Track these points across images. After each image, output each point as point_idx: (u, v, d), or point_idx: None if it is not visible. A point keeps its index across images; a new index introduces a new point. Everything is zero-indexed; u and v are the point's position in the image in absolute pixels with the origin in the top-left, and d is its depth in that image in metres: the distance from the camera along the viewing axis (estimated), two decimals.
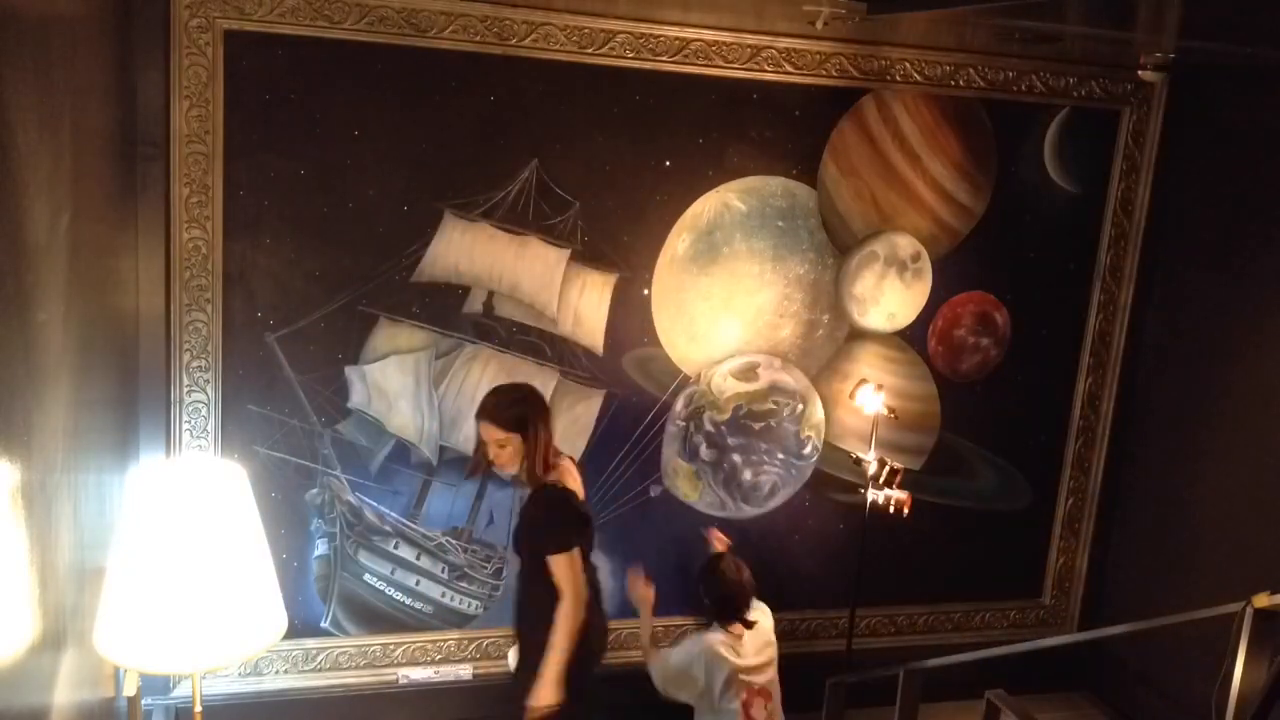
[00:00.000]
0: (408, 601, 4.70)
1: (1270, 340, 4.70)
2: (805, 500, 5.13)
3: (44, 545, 2.19)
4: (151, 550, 2.27)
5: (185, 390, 4.26)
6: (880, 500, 4.59)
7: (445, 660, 4.81)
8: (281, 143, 4.19)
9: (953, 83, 4.83)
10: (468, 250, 4.49)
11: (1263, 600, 2.54)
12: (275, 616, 2.52)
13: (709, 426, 4.91)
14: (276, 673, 4.60)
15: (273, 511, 4.27)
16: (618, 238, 4.63)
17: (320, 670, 4.65)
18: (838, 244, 4.89)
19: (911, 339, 5.09)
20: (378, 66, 4.22)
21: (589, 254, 4.61)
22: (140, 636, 2.29)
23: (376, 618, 4.68)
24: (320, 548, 4.57)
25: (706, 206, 4.69)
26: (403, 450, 4.59)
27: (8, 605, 1.89)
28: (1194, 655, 3.71)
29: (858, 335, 5.02)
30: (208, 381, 4.26)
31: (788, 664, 5.17)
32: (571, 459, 3.99)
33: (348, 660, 4.68)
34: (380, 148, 4.30)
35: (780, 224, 4.79)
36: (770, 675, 4.23)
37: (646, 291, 4.70)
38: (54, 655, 2.43)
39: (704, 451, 4.93)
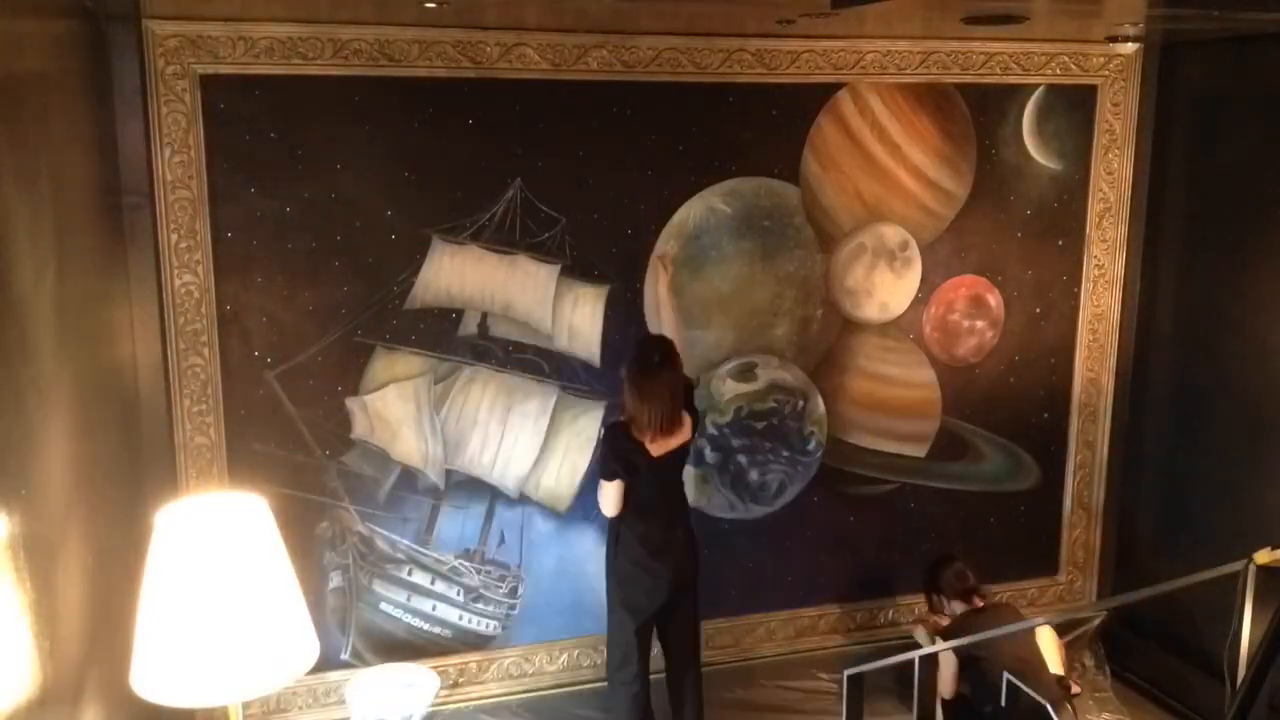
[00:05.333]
0: (425, 627, 4.72)
1: (1264, 302, 4.70)
2: (814, 496, 5.13)
3: (48, 596, 2.21)
4: (180, 589, 2.29)
5: (189, 435, 4.29)
6: None
7: (468, 682, 4.82)
8: (266, 182, 4.23)
9: (925, 70, 4.85)
10: (458, 273, 4.52)
11: (1264, 556, 2.55)
12: (307, 642, 2.56)
13: (712, 429, 4.92)
14: (300, 708, 4.61)
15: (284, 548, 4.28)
16: (606, 249, 4.66)
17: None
18: (825, 239, 4.91)
19: (907, 327, 5.11)
20: (355, 99, 4.26)
21: (579, 268, 4.64)
22: (176, 674, 2.32)
23: (396, 645, 4.70)
24: (334, 580, 4.59)
25: (691, 212, 4.71)
26: (409, 477, 4.61)
27: (7, 659, 1.91)
28: (1207, 617, 3.72)
29: (853, 328, 5.04)
30: (209, 425, 4.29)
31: (802, 661, 5.20)
32: None
33: None
34: (363, 179, 4.33)
35: (766, 223, 4.82)
36: None
37: (638, 300, 4.74)
38: (70, 707, 2.45)
39: (709, 454, 4.95)
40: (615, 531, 4.28)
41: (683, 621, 4.41)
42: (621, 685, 4.40)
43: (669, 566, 4.24)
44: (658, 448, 4.13)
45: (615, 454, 4.14)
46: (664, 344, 4.20)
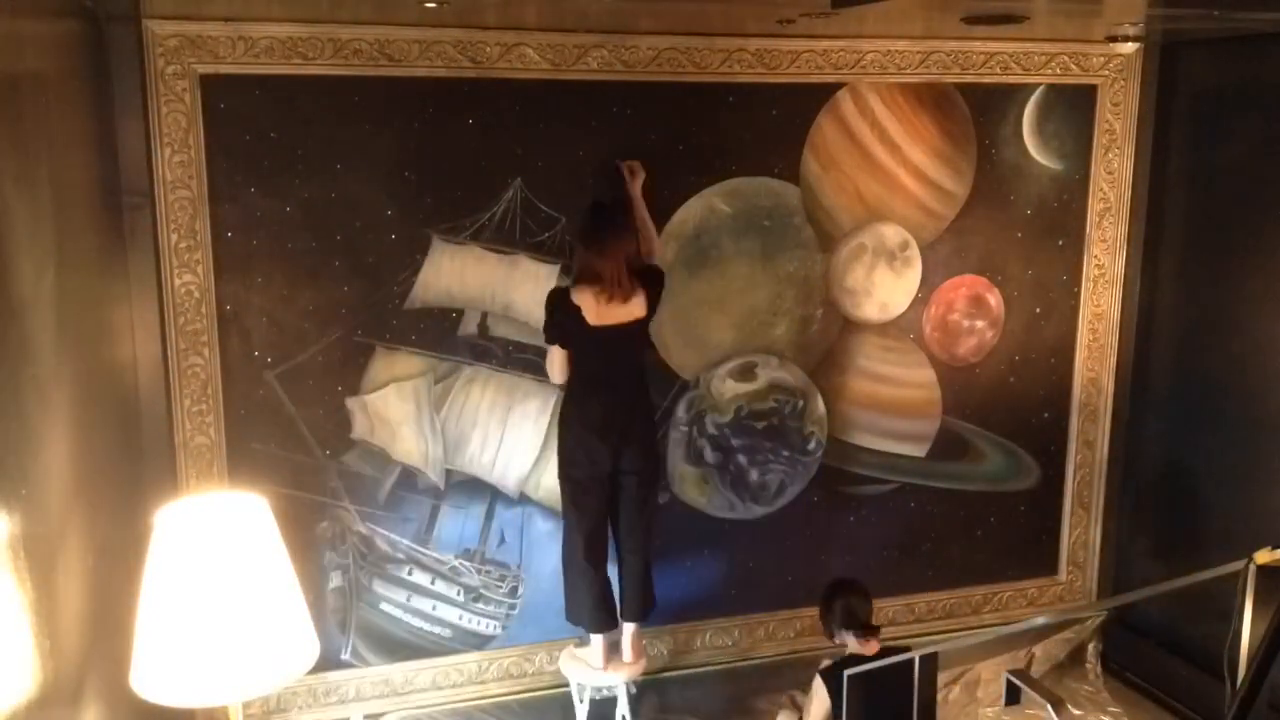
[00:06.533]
0: (426, 627, 4.72)
1: (1264, 302, 4.71)
2: (814, 496, 5.13)
3: (48, 596, 2.21)
4: (180, 589, 2.30)
5: (189, 435, 4.29)
6: None
7: (468, 682, 4.82)
8: (266, 182, 4.23)
9: (925, 70, 4.85)
10: (458, 273, 4.52)
11: (1264, 556, 2.55)
12: (307, 642, 2.57)
13: (712, 429, 4.93)
14: (300, 708, 4.61)
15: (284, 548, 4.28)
16: None
17: (344, 702, 4.66)
18: (825, 239, 4.91)
19: (907, 327, 5.11)
20: (355, 99, 4.26)
21: None
22: (176, 674, 2.32)
23: (396, 646, 4.70)
24: (334, 580, 4.59)
25: (691, 212, 4.71)
26: (409, 477, 4.61)
27: (7, 659, 1.91)
28: (1207, 617, 3.73)
29: (853, 327, 5.04)
30: (209, 425, 4.29)
31: (802, 661, 5.19)
32: None
33: (371, 690, 4.70)
34: (363, 179, 4.33)
35: (766, 223, 4.81)
36: None
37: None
38: (70, 707, 2.45)
39: (709, 454, 4.95)
40: (561, 402, 4.45)
41: (630, 509, 4.47)
42: (579, 576, 4.49)
43: (610, 446, 4.31)
44: (600, 316, 4.19)
45: (554, 317, 4.26)
46: (617, 209, 4.30)
